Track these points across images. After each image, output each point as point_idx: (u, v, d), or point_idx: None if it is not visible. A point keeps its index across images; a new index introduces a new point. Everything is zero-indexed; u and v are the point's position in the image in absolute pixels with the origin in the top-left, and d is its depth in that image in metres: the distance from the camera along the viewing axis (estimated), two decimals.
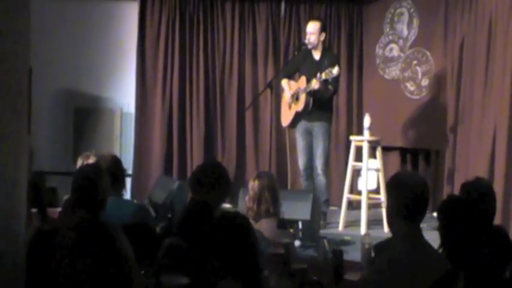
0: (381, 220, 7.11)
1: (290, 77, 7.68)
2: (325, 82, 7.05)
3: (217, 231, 2.93)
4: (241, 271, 2.85)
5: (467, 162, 7.43)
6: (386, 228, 6.60)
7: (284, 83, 7.62)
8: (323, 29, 7.47)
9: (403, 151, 8.77)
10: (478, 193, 3.95)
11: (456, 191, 6.71)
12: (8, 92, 2.95)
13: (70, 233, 2.70)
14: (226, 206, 7.25)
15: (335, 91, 7.43)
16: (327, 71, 6.96)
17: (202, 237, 3.06)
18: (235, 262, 2.86)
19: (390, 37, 8.75)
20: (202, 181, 4.27)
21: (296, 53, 7.74)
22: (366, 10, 9.12)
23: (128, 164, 8.29)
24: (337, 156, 8.86)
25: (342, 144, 8.85)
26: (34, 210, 4.82)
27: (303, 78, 7.37)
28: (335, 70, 6.93)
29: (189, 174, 8.15)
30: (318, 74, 7.01)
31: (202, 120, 8.91)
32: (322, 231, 6.83)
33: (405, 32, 8.58)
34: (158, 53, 8.89)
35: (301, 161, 7.56)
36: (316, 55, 7.44)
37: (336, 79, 7.17)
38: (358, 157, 7.51)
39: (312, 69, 7.31)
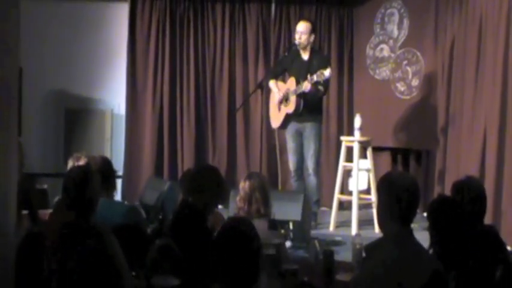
0: (372, 220, 7.12)
1: (277, 77, 7.68)
2: (315, 83, 7.04)
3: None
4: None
5: (458, 162, 7.44)
6: (377, 229, 6.64)
7: (272, 84, 7.59)
8: (313, 30, 7.47)
9: (393, 151, 8.78)
10: (469, 192, 3.95)
11: (447, 191, 6.68)
12: None
13: (59, 234, 2.69)
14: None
15: (325, 92, 7.42)
16: (318, 72, 6.93)
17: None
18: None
19: (380, 37, 8.76)
20: (197, 184, 4.24)
21: (286, 53, 7.71)
22: (357, 11, 9.12)
23: (119, 165, 8.27)
24: (328, 156, 8.86)
25: (333, 144, 8.85)
26: (25, 212, 4.81)
27: (292, 79, 7.36)
28: (327, 72, 6.91)
29: (179, 175, 8.13)
30: (309, 76, 7.00)
31: (193, 121, 8.89)
32: (313, 232, 6.82)
33: (395, 32, 8.59)
34: (149, 53, 8.87)
35: (291, 162, 7.55)
36: (305, 56, 7.42)
37: (327, 80, 7.15)
38: (349, 157, 7.51)
39: (300, 69, 7.31)
